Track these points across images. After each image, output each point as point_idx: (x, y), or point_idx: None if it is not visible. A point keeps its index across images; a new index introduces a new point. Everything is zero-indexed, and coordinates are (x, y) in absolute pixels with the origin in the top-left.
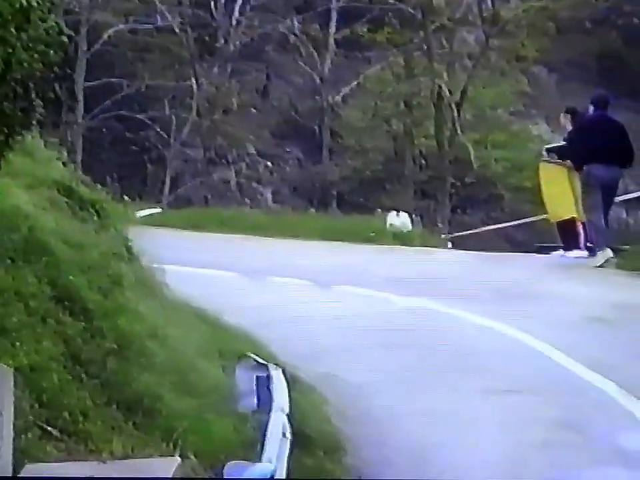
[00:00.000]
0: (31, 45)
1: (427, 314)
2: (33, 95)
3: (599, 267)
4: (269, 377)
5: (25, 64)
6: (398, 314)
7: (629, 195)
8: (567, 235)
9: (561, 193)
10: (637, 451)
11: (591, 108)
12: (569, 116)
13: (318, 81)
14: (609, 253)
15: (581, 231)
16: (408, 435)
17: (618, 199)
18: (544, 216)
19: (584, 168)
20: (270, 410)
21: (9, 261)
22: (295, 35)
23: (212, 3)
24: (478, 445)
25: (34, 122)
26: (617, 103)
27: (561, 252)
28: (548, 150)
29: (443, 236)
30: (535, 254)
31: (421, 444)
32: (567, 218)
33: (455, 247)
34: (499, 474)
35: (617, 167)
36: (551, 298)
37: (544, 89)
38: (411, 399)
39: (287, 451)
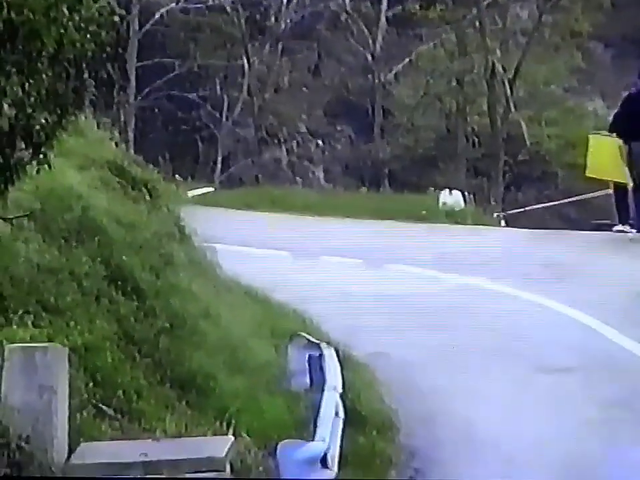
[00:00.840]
0: (83, 25)
1: (478, 292)
2: (86, 75)
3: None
4: (321, 356)
5: (78, 44)
6: (450, 292)
7: None
8: (620, 209)
9: (609, 159)
10: None
11: (639, 81)
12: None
13: (369, 58)
14: None
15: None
16: (458, 414)
17: None
18: (599, 192)
19: (630, 144)
20: (322, 389)
21: (62, 241)
22: (347, 12)
23: None
24: (528, 424)
25: (86, 102)
26: None
27: (619, 226)
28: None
29: (496, 214)
30: (590, 231)
31: (470, 423)
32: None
33: (508, 224)
34: (551, 452)
35: None
36: (602, 275)
37: (599, 65)
38: (462, 377)
39: (340, 430)
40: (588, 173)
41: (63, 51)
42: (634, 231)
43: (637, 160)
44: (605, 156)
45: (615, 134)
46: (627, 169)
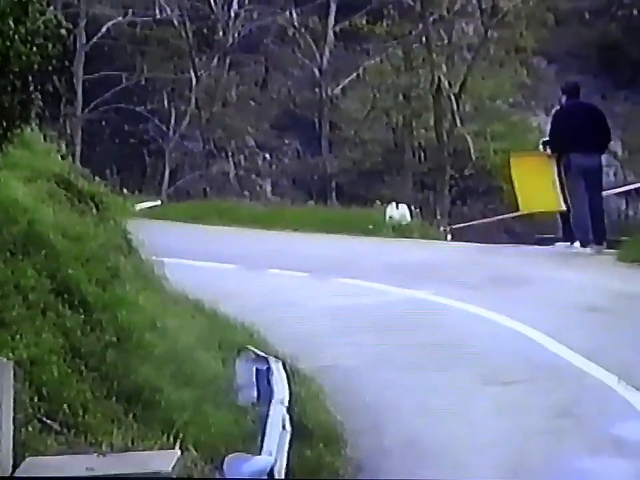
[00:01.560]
0: (29, 37)
1: (424, 305)
2: (32, 88)
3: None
4: (268, 369)
5: (24, 57)
6: (396, 305)
7: (628, 186)
8: (566, 226)
9: (541, 184)
10: (635, 441)
11: (564, 97)
12: (564, 96)
13: (317, 73)
14: (594, 246)
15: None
16: (404, 425)
17: (617, 190)
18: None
19: (564, 157)
20: (270, 402)
21: (8, 254)
22: (294, 26)
23: None
24: (475, 435)
25: (33, 115)
26: (616, 93)
27: (563, 244)
28: (544, 143)
29: (442, 228)
30: (535, 245)
31: (416, 434)
32: (548, 210)
33: (454, 238)
34: (497, 463)
35: (597, 153)
36: (547, 288)
37: (543, 80)
38: (407, 391)
39: (287, 443)
40: (524, 209)
41: (9, 63)
42: (577, 245)
43: (576, 173)
44: (534, 182)
45: (551, 151)
46: (559, 190)
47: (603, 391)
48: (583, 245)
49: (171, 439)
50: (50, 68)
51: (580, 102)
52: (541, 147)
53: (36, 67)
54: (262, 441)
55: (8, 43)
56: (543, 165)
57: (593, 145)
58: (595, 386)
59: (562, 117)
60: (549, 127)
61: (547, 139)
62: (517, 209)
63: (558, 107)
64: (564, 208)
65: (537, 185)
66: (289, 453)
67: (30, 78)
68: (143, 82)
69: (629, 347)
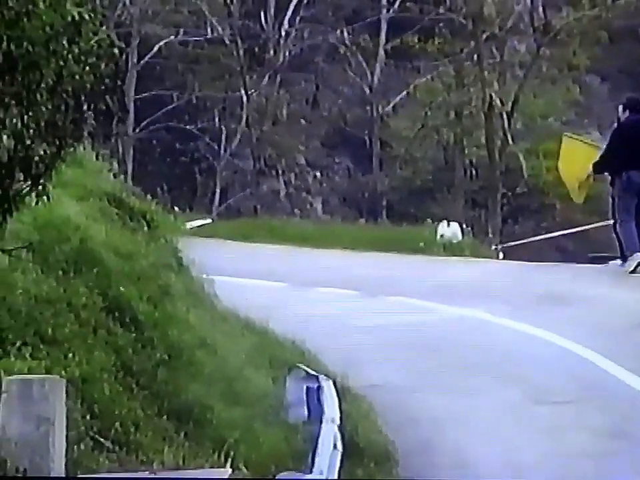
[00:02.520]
0: (82, 57)
1: (475, 324)
2: (84, 107)
3: (632, 272)
4: (319, 388)
5: (77, 76)
6: (447, 323)
7: None
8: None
9: (579, 167)
10: None
11: (625, 113)
12: (627, 111)
13: (367, 91)
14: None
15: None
16: (454, 444)
17: None
18: (596, 225)
19: (623, 174)
20: (320, 421)
21: (60, 272)
22: (345, 45)
23: (262, 14)
24: (525, 455)
25: (85, 134)
26: None
27: (617, 262)
28: (594, 165)
29: (493, 246)
30: (587, 264)
31: (466, 453)
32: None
33: (505, 257)
34: None
35: None
36: (600, 308)
37: (596, 98)
38: (457, 408)
39: (338, 462)
40: (566, 179)
41: (62, 82)
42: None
43: (632, 190)
44: (575, 162)
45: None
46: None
47: None
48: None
49: (222, 457)
50: (102, 87)
51: None
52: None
53: (89, 86)
54: (313, 459)
55: (62, 63)
56: (588, 153)
57: None
58: None
59: (624, 132)
60: (605, 144)
61: (598, 160)
62: (570, 227)
63: (617, 123)
64: (581, 202)
65: (577, 168)
66: (340, 471)
67: (83, 97)
68: (194, 101)
69: None
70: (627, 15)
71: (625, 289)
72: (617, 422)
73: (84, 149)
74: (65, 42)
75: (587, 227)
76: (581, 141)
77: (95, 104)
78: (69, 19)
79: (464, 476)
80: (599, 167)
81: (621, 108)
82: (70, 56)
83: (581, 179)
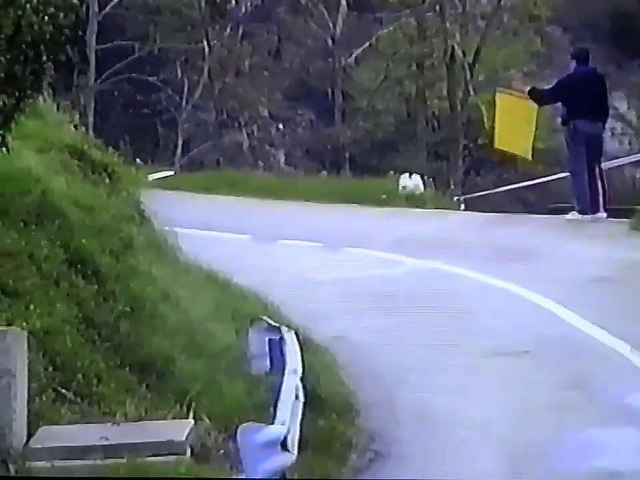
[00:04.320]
0: (41, 7)
1: (437, 275)
2: (44, 58)
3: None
4: (281, 339)
5: (36, 27)
6: (409, 275)
7: None
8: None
9: (520, 128)
10: None
11: (573, 63)
12: (574, 61)
13: (330, 42)
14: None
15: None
16: (414, 396)
17: (632, 158)
18: (556, 176)
19: (570, 123)
20: (283, 372)
21: (21, 224)
22: None
23: None
24: (483, 404)
25: (45, 85)
26: (631, 62)
27: (576, 213)
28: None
29: (455, 198)
30: (548, 215)
31: (427, 404)
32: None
33: (467, 208)
34: (505, 432)
35: (600, 122)
36: (559, 258)
37: (558, 49)
38: (418, 360)
39: (300, 413)
40: (498, 145)
41: (21, 33)
42: (580, 215)
43: (580, 140)
44: (515, 122)
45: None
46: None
47: (616, 360)
48: (581, 213)
49: (185, 408)
50: (62, 38)
51: (590, 68)
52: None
53: (48, 36)
54: (275, 410)
55: (19, 13)
56: (526, 110)
57: (599, 112)
58: (609, 355)
59: (571, 82)
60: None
61: (541, 89)
62: (531, 179)
63: (569, 73)
64: (530, 158)
65: (516, 127)
66: (301, 422)
67: (42, 48)
68: (156, 52)
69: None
70: None
71: (582, 241)
72: (575, 372)
73: (44, 100)
74: None
75: (547, 179)
76: (515, 95)
77: (55, 55)
78: None
79: (424, 427)
80: (537, 96)
81: (569, 57)
82: (28, 6)
83: (526, 133)
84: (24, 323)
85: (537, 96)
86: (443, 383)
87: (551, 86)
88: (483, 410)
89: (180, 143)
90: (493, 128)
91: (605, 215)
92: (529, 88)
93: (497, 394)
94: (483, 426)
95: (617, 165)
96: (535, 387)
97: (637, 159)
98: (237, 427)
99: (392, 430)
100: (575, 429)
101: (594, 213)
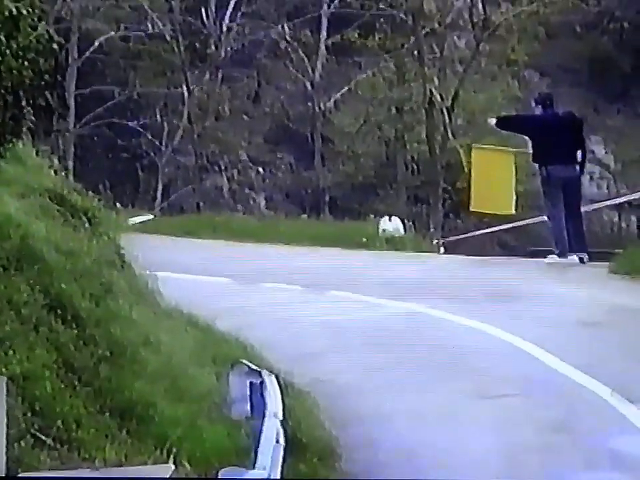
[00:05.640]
0: (20, 53)
1: (418, 318)
2: (24, 103)
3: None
4: (262, 383)
5: (15, 72)
6: (391, 318)
7: (620, 198)
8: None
9: (499, 184)
10: (629, 454)
11: (538, 108)
12: (540, 107)
13: (309, 86)
14: (573, 258)
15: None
16: (399, 439)
17: (611, 202)
18: (535, 219)
19: (542, 169)
20: (263, 416)
21: (1, 269)
22: (286, 40)
23: (203, 10)
24: (470, 447)
25: (25, 130)
26: (609, 106)
27: (555, 256)
28: (498, 119)
29: (435, 241)
30: (529, 258)
31: (412, 446)
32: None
33: (447, 251)
34: (491, 475)
35: (576, 165)
36: (539, 301)
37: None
38: (402, 401)
39: (281, 458)
40: (474, 208)
41: (0, 78)
42: (559, 258)
43: (555, 185)
44: (493, 181)
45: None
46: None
47: (597, 404)
48: (560, 256)
49: (165, 453)
50: (42, 83)
51: (556, 112)
52: (492, 123)
53: (28, 81)
54: (256, 455)
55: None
56: (504, 163)
57: (572, 155)
58: (590, 399)
59: (535, 121)
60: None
61: (505, 116)
62: (510, 221)
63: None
64: (513, 211)
65: (494, 184)
66: (283, 467)
67: (22, 93)
68: (136, 97)
69: (622, 360)
70: (564, 10)
71: (563, 283)
72: (560, 416)
73: (24, 145)
74: (2, 37)
75: (526, 222)
76: (492, 149)
77: (34, 100)
78: (7, 13)
79: (411, 468)
80: (503, 124)
81: (533, 104)
82: (8, 51)
83: (506, 187)
84: (3, 369)
85: (502, 123)
86: (427, 426)
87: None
88: (466, 452)
89: (160, 187)
90: (469, 188)
91: (585, 256)
92: (494, 120)
93: (480, 436)
94: (467, 468)
95: (596, 208)
96: (516, 429)
97: (614, 203)
98: (218, 471)
99: (375, 473)
100: (557, 472)
101: (574, 255)
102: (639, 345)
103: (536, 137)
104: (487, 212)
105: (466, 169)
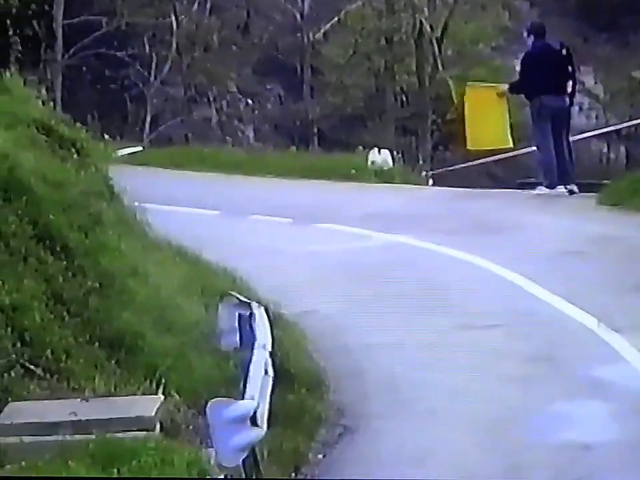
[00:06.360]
0: None
1: (404, 249)
2: (11, 32)
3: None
4: (251, 315)
5: (2, 1)
6: (378, 250)
7: (609, 127)
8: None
9: (494, 119)
10: (612, 382)
11: (531, 38)
12: (532, 37)
13: (298, 17)
14: (562, 189)
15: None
16: (383, 370)
17: (598, 132)
18: (524, 151)
19: (535, 99)
20: (252, 348)
21: None
22: None
23: None
24: (452, 378)
25: (12, 59)
26: (598, 36)
27: (544, 187)
28: (511, 86)
29: (424, 173)
30: (517, 190)
31: (395, 377)
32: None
33: (436, 183)
34: (474, 404)
35: (566, 96)
36: (527, 232)
37: (525, 23)
38: (387, 333)
39: (269, 388)
40: (472, 146)
41: None
42: (547, 190)
43: (545, 115)
44: (488, 118)
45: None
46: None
47: (583, 333)
48: (549, 187)
49: (154, 384)
50: (29, 12)
51: (548, 43)
52: (505, 88)
53: (14, 11)
54: (244, 385)
55: None
56: (497, 100)
57: (562, 86)
58: (576, 328)
59: (532, 59)
60: (520, 68)
61: (514, 81)
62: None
63: (528, 48)
64: (511, 145)
65: (490, 120)
66: (271, 397)
67: (8, 22)
68: (124, 27)
69: (608, 290)
70: None
71: (549, 215)
72: (543, 345)
73: (11, 75)
74: None
75: (515, 153)
76: (485, 86)
77: (22, 29)
78: None
79: (395, 400)
80: (515, 89)
81: (525, 34)
82: None
83: (500, 122)
84: None
85: (514, 89)
86: (412, 358)
87: (518, 72)
88: (450, 383)
89: (148, 118)
90: (463, 126)
91: (575, 187)
92: (507, 86)
93: (465, 367)
94: (451, 399)
95: (584, 138)
96: (502, 360)
97: (602, 132)
98: (207, 402)
99: (361, 403)
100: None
101: (563, 186)
102: (624, 273)
103: (529, 70)
104: (484, 149)
105: (457, 106)
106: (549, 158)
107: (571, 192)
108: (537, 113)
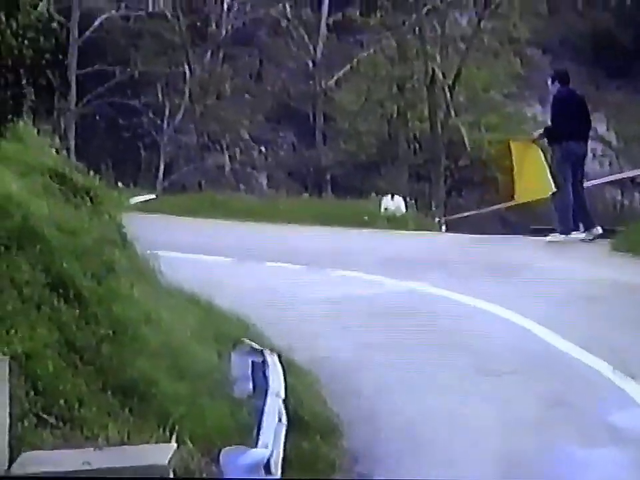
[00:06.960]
0: (21, 31)
1: (420, 296)
2: (25, 82)
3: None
4: (264, 362)
5: (16, 51)
6: (392, 296)
7: (623, 174)
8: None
9: (538, 171)
10: (628, 429)
11: (555, 85)
12: (556, 83)
13: (311, 65)
14: (579, 234)
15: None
16: (400, 415)
17: (612, 178)
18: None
19: (563, 143)
20: (265, 395)
21: (2, 248)
22: (287, 19)
23: None
24: (469, 423)
25: (26, 109)
26: (609, 83)
27: (558, 234)
28: (545, 130)
29: (437, 219)
30: (529, 236)
31: (412, 423)
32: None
33: (449, 229)
34: (491, 454)
35: (586, 142)
36: (542, 279)
37: (537, 70)
38: (403, 379)
39: (283, 436)
40: (521, 199)
41: (1, 57)
42: (562, 236)
43: (569, 161)
44: (532, 171)
45: (551, 139)
46: (549, 175)
47: (598, 380)
48: (563, 233)
49: (167, 432)
50: (43, 62)
51: (573, 89)
52: (536, 134)
53: (28, 61)
54: (258, 433)
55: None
56: (537, 152)
57: (585, 132)
58: (590, 375)
59: (562, 103)
60: (550, 115)
61: (547, 127)
62: (512, 199)
63: (555, 94)
64: (555, 190)
65: (534, 172)
66: (285, 445)
67: (22, 72)
68: (137, 76)
69: (623, 336)
70: None
71: (565, 261)
72: (558, 391)
73: (25, 124)
74: (2, 16)
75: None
76: (524, 139)
77: (36, 79)
78: None
79: (409, 446)
80: (548, 135)
81: (549, 81)
82: (8, 30)
83: (543, 173)
84: (5, 348)
85: (547, 134)
86: (428, 402)
87: (550, 118)
88: (466, 428)
89: (162, 166)
90: (512, 180)
91: (600, 229)
92: (539, 132)
93: (481, 413)
94: (468, 444)
95: (597, 184)
96: (518, 406)
97: (616, 179)
98: (220, 450)
99: (376, 449)
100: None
101: (587, 231)
102: (638, 319)
103: (560, 116)
104: (532, 200)
105: (496, 161)
106: (566, 203)
107: (591, 237)
108: (562, 158)
